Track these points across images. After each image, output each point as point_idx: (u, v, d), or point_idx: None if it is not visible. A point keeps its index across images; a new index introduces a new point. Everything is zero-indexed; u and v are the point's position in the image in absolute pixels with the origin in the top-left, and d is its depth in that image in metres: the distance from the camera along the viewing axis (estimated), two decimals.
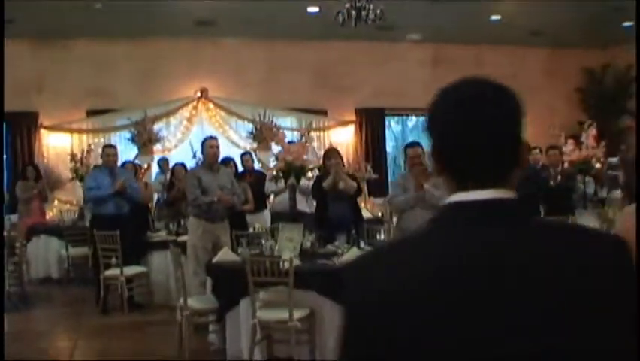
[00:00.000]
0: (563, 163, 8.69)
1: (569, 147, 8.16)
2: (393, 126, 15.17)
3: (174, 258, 6.64)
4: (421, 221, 5.99)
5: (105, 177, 8.22)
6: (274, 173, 7.07)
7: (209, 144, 7.52)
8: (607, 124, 14.52)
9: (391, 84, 14.22)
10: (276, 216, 8.95)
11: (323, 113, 14.01)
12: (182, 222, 8.90)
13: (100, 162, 11.46)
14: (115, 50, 12.76)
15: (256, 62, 13.58)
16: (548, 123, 14.43)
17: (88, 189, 8.22)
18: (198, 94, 13.14)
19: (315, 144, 13.65)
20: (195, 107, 13.16)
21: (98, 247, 7.99)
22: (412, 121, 15.52)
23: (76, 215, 10.50)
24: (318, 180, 7.76)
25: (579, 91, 15.27)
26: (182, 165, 9.81)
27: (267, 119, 13.07)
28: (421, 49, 14.37)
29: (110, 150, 8.42)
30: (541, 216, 8.74)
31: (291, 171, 6.91)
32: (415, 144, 6.78)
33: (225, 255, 6.50)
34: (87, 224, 9.89)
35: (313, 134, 13.85)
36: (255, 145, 12.98)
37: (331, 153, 7.69)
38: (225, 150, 12.79)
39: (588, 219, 7.33)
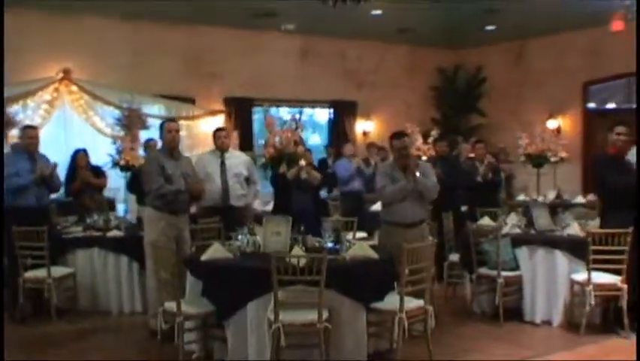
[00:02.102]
0: (486, 156, 8.88)
1: (524, 140, 8.36)
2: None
3: (159, 258, 5.79)
4: (411, 212, 5.79)
5: (25, 162, 7.04)
6: (263, 160, 6.42)
7: (168, 128, 6.72)
8: (458, 121, 15.24)
9: (260, 74, 13.81)
10: (202, 211, 8.17)
11: (191, 101, 13.25)
12: (95, 216, 7.90)
13: None
14: None
15: (122, 43, 12.49)
16: (405, 118, 14.90)
17: (7, 176, 6.95)
18: (60, 75, 11.77)
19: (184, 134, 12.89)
20: (57, 90, 11.77)
21: (16, 245, 6.80)
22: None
23: None
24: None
25: (434, 89, 15.82)
26: (84, 151, 8.69)
27: (134, 106, 12.05)
28: (290, 40, 14.09)
29: (31, 131, 7.23)
30: (467, 209, 8.89)
31: (283, 158, 6.34)
32: (401, 135, 6.53)
33: (216, 252, 5.79)
34: None
35: (182, 123, 13.12)
36: (122, 133, 11.89)
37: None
38: (91, 138, 11.70)
39: (545, 213, 7.53)
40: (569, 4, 11.76)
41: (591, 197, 10.98)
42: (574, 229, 7.11)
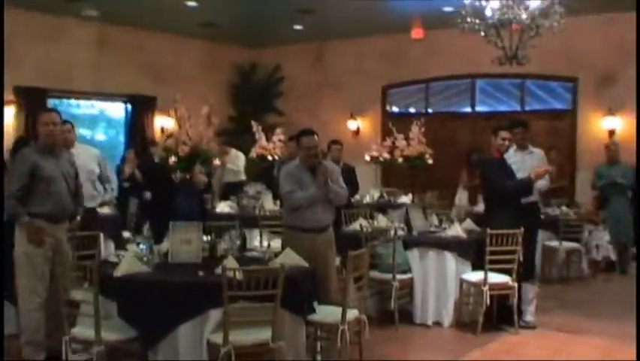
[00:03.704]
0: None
1: (401, 141, 8.29)
2: None
3: (36, 273, 4.83)
4: (322, 217, 5.52)
5: None
6: (174, 160, 5.55)
7: (42, 120, 5.66)
8: (254, 119, 15.01)
9: (54, 63, 12.46)
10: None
11: None
12: None
13: None
14: None
15: None
16: (203, 116, 14.35)
17: None
18: None
19: None
20: None
21: None
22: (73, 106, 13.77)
23: None
24: (154, 169, 6.47)
25: (231, 87, 15.43)
26: None
27: None
28: (87, 28, 12.87)
29: None
30: None
31: (198, 157, 5.58)
32: (310, 133, 6.08)
33: (131, 266, 4.97)
34: None
35: None
36: None
37: None
38: None
39: (420, 215, 7.60)
40: (371, 9, 12.03)
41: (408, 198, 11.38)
42: (455, 230, 7.21)
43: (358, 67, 14.64)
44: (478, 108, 13.82)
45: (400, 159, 8.27)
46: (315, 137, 6.01)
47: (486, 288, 6.53)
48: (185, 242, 5.42)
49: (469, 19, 8.45)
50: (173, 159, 5.51)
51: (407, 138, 8.15)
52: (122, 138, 14.15)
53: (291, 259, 5.32)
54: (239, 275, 4.56)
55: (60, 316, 5.62)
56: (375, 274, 6.92)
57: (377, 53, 14.45)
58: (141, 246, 5.46)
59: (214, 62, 15.11)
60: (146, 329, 4.72)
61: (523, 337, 6.60)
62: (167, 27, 13.64)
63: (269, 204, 9.36)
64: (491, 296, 6.68)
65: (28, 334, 5.49)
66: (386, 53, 14.32)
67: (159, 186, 6.56)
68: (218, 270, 4.87)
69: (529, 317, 6.98)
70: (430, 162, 8.23)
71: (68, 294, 5.00)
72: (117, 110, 14.24)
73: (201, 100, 14.55)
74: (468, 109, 13.88)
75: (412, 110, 14.80)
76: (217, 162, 5.83)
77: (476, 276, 6.72)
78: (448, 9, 10.68)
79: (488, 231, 6.53)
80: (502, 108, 13.74)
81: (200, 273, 4.95)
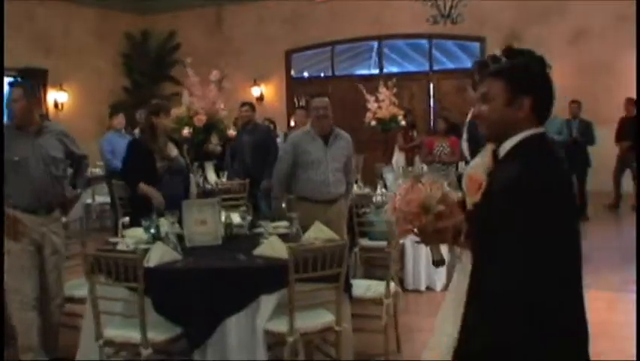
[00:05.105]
0: None
1: (373, 104, 7.96)
2: None
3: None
4: (333, 188, 5.30)
5: None
6: (188, 130, 4.88)
7: (12, 95, 4.90)
8: (150, 90, 14.28)
9: None
10: None
11: None
12: None
13: None
14: None
15: None
16: (97, 87, 13.53)
17: None
18: None
19: None
20: None
21: None
22: None
23: None
24: (139, 145, 5.86)
25: (124, 56, 14.46)
26: None
27: None
28: None
29: None
30: None
31: (214, 126, 5.01)
32: (321, 95, 5.80)
33: (164, 255, 4.38)
34: None
35: None
36: None
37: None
38: None
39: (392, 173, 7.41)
40: None
41: None
42: None
43: (260, 32, 14.16)
44: (385, 70, 13.76)
45: (373, 122, 7.99)
46: (326, 99, 5.71)
47: None
48: (200, 223, 4.89)
49: None
50: (187, 131, 4.91)
51: (377, 100, 7.87)
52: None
53: (325, 233, 4.93)
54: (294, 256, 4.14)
55: (52, 317, 5.02)
56: (365, 242, 6.65)
57: (279, 17, 14.02)
58: (151, 230, 4.84)
59: (107, 30, 14.14)
60: (193, 324, 4.18)
61: None
62: None
63: (212, 176, 8.76)
64: None
65: (20, 338, 4.82)
66: (288, 17, 13.94)
67: (145, 165, 5.88)
68: (256, 251, 4.45)
69: None
70: (403, 123, 8.01)
71: (95, 291, 4.31)
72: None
73: (95, 71, 13.73)
74: (376, 71, 13.77)
75: (315, 74, 14.54)
76: (232, 132, 5.27)
77: None
78: None
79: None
80: (408, 69, 13.77)
81: (241, 256, 4.46)
